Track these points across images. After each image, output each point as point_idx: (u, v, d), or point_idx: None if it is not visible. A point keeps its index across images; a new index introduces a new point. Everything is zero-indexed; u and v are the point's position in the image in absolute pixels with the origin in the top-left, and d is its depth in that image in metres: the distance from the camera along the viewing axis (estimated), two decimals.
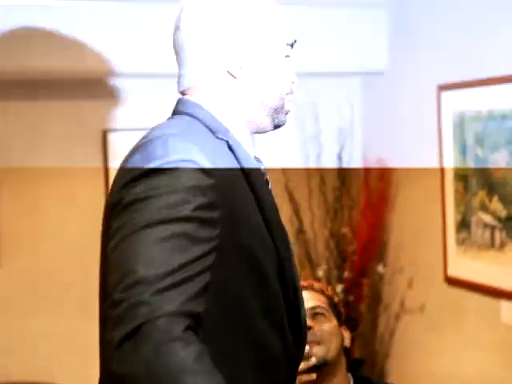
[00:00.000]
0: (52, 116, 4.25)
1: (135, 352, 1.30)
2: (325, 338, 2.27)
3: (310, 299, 2.31)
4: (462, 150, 3.81)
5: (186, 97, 1.68)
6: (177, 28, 1.66)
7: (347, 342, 2.36)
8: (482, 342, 3.78)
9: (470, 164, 3.76)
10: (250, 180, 1.58)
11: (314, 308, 2.30)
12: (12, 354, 4.08)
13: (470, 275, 3.79)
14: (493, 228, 3.63)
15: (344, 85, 4.69)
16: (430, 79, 4.06)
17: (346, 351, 2.38)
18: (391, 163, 4.41)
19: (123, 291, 1.36)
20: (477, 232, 3.74)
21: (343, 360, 2.33)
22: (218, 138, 1.60)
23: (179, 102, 1.69)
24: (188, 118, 1.63)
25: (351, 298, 4.39)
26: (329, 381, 2.28)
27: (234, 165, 1.57)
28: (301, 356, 1.66)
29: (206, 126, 1.61)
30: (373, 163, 4.48)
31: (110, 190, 1.58)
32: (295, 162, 4.59)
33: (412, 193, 4.29)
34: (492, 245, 3.64)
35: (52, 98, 4.24)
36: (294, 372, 1.64)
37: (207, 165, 1.47)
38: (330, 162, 4.57)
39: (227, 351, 1.45)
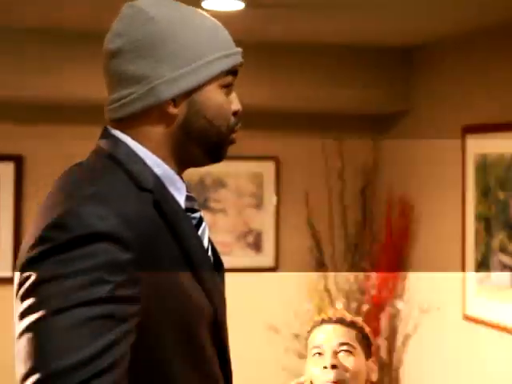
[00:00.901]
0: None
1: None
2: (349, 377, 2.20)
3: (338, 334, 2.25)
4: (484, 191, 3.87)
5: (111, 129, 1.50)
6: (111, 53, 1.49)
7: (374, 376, 2.35)
8: (497, 378, 3.82)
9: (491, 206, 3.82)
10: (178, 234, 1.44)
11: (342, 344, 2.23)
12: None
13: (488, 314, 3.83)
14: None
15: (369, 123, 4.79)
16: (455, 120, 4.13)
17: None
18: (414, 201, 4.48)
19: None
20: (496, 272, 3.79)
21: None
22: (141, 188, 1.43)
23: (104, 134, 1.51)
24: (109, 162, 1.45)
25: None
26: None
27: (157, 221, 1.41)
28: None
29: (127, 173, 1.44)
30: (396, 200, 4.55)
31: (21, 249, 1.41)
32: (318, 196, 4.66)
33: (433, 231, 4.35)
34: (511, 285, 3.69)
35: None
36: None
37: (125, 236, 1.32)
38: (353, 198, 4.64)
39: None
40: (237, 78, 4.29)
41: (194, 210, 1.53)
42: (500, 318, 3.76)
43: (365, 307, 4.46)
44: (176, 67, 1.44)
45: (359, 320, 2.38)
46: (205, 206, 4.61)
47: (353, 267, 4.58)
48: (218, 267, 1.57)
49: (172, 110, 1.46)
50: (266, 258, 4.68)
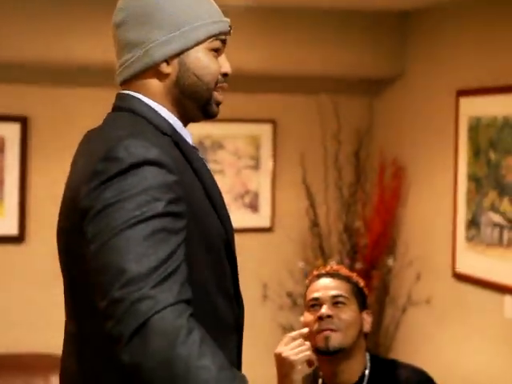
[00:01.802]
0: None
1: (146, 345, 1.43)
2: (342, 326, 2.39)
3: (333, 287, 2.43)
4: (476, 153, 4.03)
5: (124, 91, 1.74)
6: (117, 25, 1.73)
7: (367, 327, 2.47)
8: (485, 336, 3.99)
9: (483, 167, 3.98)
10: (197, 170, 1.68)
11: (335, 297, 2.42)
12: (36, 324, 4.26)
13: (477, 271, 4.01)
14: (502, 227, 3.86)
15: (365, 86, 4.91)
16: (449, 84, 4.27)
17: (366, 335, 2.56)
18: (406, 163, 4.63)
19: (120, 289, 1.45)
20: (486, 230, 3.96)
21: (362, 344, 2.45)
22: (162, 133, 1.67)
23: (118, 96, 1.75)
24: (130, 114, 1.70)
25: None
26: (346, 362, 2.42)
27: (180, 158, 1.66)
28: (243, 315, 1.79)
29: (148, 121, 1.68)
30: (389, 162, 4.70)
31: (68, 187, 1.65)
32: (314, 158, 4.80)
33: (425, 191, 4.50)
34: (500, 243, 3.86)
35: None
36: (241, 337, 1.78)
37: (168, 162, 1.56)
38: (347, 159, 4.78)
39: None
40: (235, 43, 4.38)
41: (202, 158, 1.76)
42: (487, 274, 3.94)
43: (358, 265, 4.61)
44: (166, 32, 1.69)
45: (354, 274, 2.55)
46: None
47: (346, 227, 4.72)
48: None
49: (165, 68, 1.70)
50: (263, 218, 4.82)
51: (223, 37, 1.75)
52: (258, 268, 4.76)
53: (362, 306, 2.50)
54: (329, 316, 2.40)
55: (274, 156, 4.82)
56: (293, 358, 2.29)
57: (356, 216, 4.74)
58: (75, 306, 1.68)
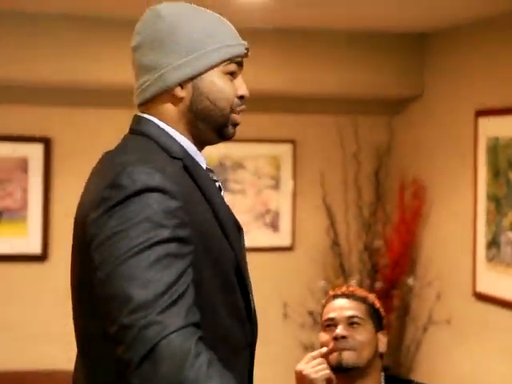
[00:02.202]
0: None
1: (155, 369, 1.45)
2: (357, 346, 2.41)
3: (348, 308, 2.46)
4: (496, 173, 4.04)
5: (140, 113, 1.76)
6: (134, 49, 1.75)
7: (382, 348, 2.50)
8: (505, 355, 3.98)
9: (503, 187, 3.98)
10: (206, 194, 1.68)
11: (351, 317, 2.44)
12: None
13: (498, 291, 4.01)
14: None
15: (384, 106, 4.95)
16: (468, 104, 4.29)
17: (381, 355, 2.59)
18: (426, 182, 4.64)
19: (128, 316, 1.47)
20: (506, 250, 3.96)
21: (377, 364, 2.48)
22: (172, 157, 1.68)
23: (134, 119, 1.77)
24: (141, 138, 1.71)
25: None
26: (361, 381, 2.44)
27: (189, 182, 1.66)
28: (256, 334, 1.81)
29: (159, 145, 1.69)
30: (408, 182, 4.72)
31: (79, 209, 1.68)
32: (334, 177, 4.82)
33: (445, 211, 4.51)
34: None
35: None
36: (253, 357, 1.79)
37: (171, 188, 1.57)
38: (367, 179, 4.80)
39: None
40: (255, 64, 4.42)
41: (214, 181, 1.76)
42: (508, 295, 3.93)
43: (378, 285, 4.62)
44: (180, 56, 1.70)
45: (370, 295, 2.58)
46: (224, 187, 4.73)
47: (366, 246, 4.74)
48: (238, 229, 1.80)
49: (179, 92, 1.71)
50: (283, 237, 4.84)
51: (239, 59, 1.76)
52: (279, 287, 4.78)
53: (378, 326, 2.53)
54: (343, 337, 2.44)
55: (294, 176, 4.85)
56: (313, 376, 2.35)
57: (376, 235, 4.76)
58: (84, 325, 1.71)
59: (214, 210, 1.69)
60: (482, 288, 4.14)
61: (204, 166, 1.77)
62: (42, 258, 4.43)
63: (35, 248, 4.46)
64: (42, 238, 4.46)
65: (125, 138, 1.77)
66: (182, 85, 1.71)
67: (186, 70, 1.70)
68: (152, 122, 1.74)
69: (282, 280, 4.81)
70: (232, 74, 1.74)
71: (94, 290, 1.59)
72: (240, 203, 4.77)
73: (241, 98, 1.77)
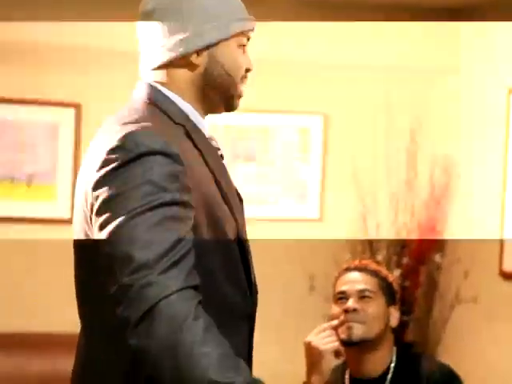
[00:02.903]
0: None
1: (152, 329, 1.47)
2: (367, 319, 2.45)
3: (360, 281, 2.50)
4: None
5: (144, 81, 1.78)
6: (146, 14, 1.76)
7: (394, 322, 2.54)
8: None
9: None
10: (207, 160, 1.71)
11: (362, 291, 2.48)
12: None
13: None
14: None
15: (416, 82, 4.87)
16: (500, 82, 4.24)
17: (393, 329, 2.59)
18: (457, 159, 4.60)
19: (129, 275, 1.49)
20: None
21: (388, 337, 2.52)
22: (175, 123, 1.71)
23: (138, 86, 1.78)
24: (146, 104, 1.73)
25: (407, 283, 4.58)
26: (371, 355, 2.49)
27: (191, 147, 1.69)
28: (256, 304, 1.82)
29: (162, 111, 1.71)
30: (439, 158, 4.69)
31: (81, 172, 1.70)
32: (364, 151, 4.80)
33: (475, 188, 4.48)
34: None
35: None
36: (253, 325, 1.81)
37: (174, 152, 1.59)
38: (398, 154, 4.77)
39: None
40: (290, 34, 4.43)
41: (216, 149, 1.80)
42: None
43: (405, 260, 4.60)
44: (199, 24, 1.73)
45: (383, 269, 2.60)
46: (253, 157, 4.75)
47: (395, 221, 4.71)
48: (239, 200, 1.83)
49: (195, 60, 1.74)
50: (311, 209, 4.83)
51: (249, 34, 1.81)
52: (306, 259, 4.78)
53: (390, 300, 2.55)
54: (354, 309, 2.45)
55: (325, 148, 4.82)
56: (322, 347, 2.39)
57: (406, 210, 4.73)
58: (85, 291, 1.74)
59: (215, 177, 1.72)
60: (508, 267, 4.11)
61: (206, 134, 1.79)
62: (70, 221, 4.45)
63: (64, 212, 4.48)
64: (71, 203, 4.49)
65: (128, 104, 1.77)
66: (198, 52, 1.74)
67: (205, 37, 1.73)
68: (155, 87, 1.76)
69: (309, 252, 4.80)
70: (242, 47, 1.79)
71: (94, 250, 1.60)
72: (268, 174, 4.76)
73: (247, 71, 1.81)
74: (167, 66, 1.75)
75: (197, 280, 1.54)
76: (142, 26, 1.78)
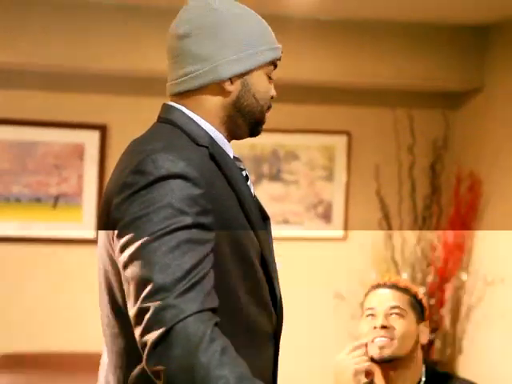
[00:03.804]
0: None
1: (169, 352, 1.48)
2: (397, 337, 2.43)
3: (390, 299, 2.48)
4: None
5: (170, 102, 1.79)
6: (178, 37, 1.76)
7: (424, 339, 2.51)
8: None
9: None
10: (231, 182, 1.71)
11: (393, 308, 2.46)
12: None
13: None
14: None
15: (441, 99, 4.89)
16: None
17: (423, 346, 2.57)
18: (483, 177, 4.59)
19: (147, 299, 1.51)
20: None
21: (418, 355, 2.50)
22: (198, 145, 1.71)
23: (163, 107, 1.79)
24: (168, 126, 1.74)
25: (433, 301, 4.56)
26: (401, 372, 2.46)
27: (214, 169, 1.70)
28: (281, 323, 1.82)
29: (185, 133, 1.72)
30: (465, 176, 4.67)
31: (105, 194, 1.71)
32: (388, 170, 4.79)
33: (501, 206, 4.44)
34: None
35: None
36: (278, 346, 1.81)
37: (194, 175, 1.60)
38: (422, 172, 4.76)
39: (227, 336, 1.56)
40: (312, 54, 4.44)
41: (241, 169, 1.80)
42: None
43: (429, 278, 4.58)
44: (236, 51, 1.74)
45: (413, 286, 2.58)
46: (278, 177, 4.77)
47: (420, 240, 4.70)
48: (264, 218, 1.84)
49: (229, 86, 1.75)
50: (336, 228, 4.83)
51: (277, 63, 1.83)
52: (330, 278, 4.78)
53: (420, 317, 2.53)
54: (384, 327, 2.43)
55: (348, 167, 4.83)
56: (354, 366, 2.37)
57: (430, 229, 4.71)
58: (107, 311, 1.74)
59: (238, 198, 1.73)
60: None
61: (231, 155, 1.80)
62: (95, 241, 4.47)
63: (89, 232, 4.52)
64: (96, 223, 4.51)
65: (152, 126, 1.80)
66: (231, 79, 1.75)
67: (240, 65, 1.74)
68: (180, 110, 1.76)
69: (334, 271, 4.80)
70: (269, 75, 1.81)
71: (115, 275, 1.63)
72: (293, 194, 4.77)
73: (271, 98, 1.84)
74: (200, 91, 1.75)
75: (215, 302, 1.56)
76: (172, 48, 1.78)
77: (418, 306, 2.53)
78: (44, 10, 4.21)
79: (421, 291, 4.38)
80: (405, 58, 4.54)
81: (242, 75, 1.75)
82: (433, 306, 4.55)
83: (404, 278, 4.50)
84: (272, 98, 1.83)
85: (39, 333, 4.49)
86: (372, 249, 4.79)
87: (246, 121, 1.79)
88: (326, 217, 4.83)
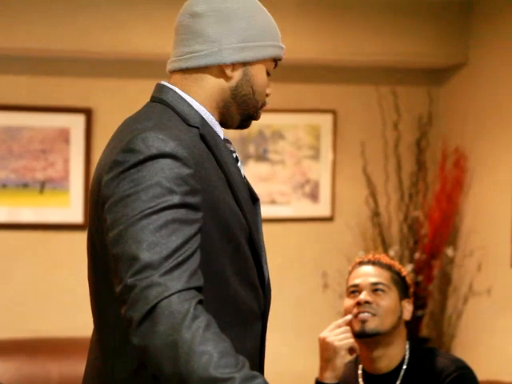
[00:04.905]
0: None
1: (154, 328, 1.51)
2: (380, 312, 2.47)
3: (373, 275, 2.52)
4: None
5: (163, 82, 1.81)
6: (193, 14, 1.78)
7: (407, 315, 2.55)
8: None
9: None
10: (220, 162, 1.73)
11: (375, 284, 2.50)
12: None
13: None
14: None
15: (426, 74, 4.88)
16: (511, 71, 4.23)
17: (407, 322, 2.60)
18: (468, 152, 4.60)
19: (133, 276, 1.53)
20: None
21: (401, 331, 2.54)
22: (189, 125, 1.73)
23: (156, 87, 1.81)
24: (160, 105, 1.75)
25: (421, 278, 4.58)
26: (384, 349, 2.51)
27: (205, 150, 1.72)
28: (269, 303, 1.84)
29: (177, 113, 1.74)
30: (450, 151, 4.68)
31: (95, 173, 1.73)
32: (374, 147, 4.80)
33: (487, 181, 4.47)
34: None
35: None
36: (265, 325, 1.84)
37: (184, 155, 1.62)
38: (408, 149, 4.77)
39: (214, 315, 1.59)
40: (296, 32, 4.43)
41: (231, 151, 1.82)
42: None
43: (417, 255, 4.60)
44: (243, 39, 1.77)
45: (396, 263, 2.61)
46: (264, 157, 4.77)
47: (407, 217, 4.72)
48: (253, 199, 1.85)
49: (230, 72, 1.78)
50: (323, 207, 4.83)
51: (278, 61, 1.86)
52: (319, 257, 4.79)
53: (403, 294, 2.56)
54: (367, 302, 2.46)
55: (334, 146, 4.83)
56: (337, 343, 2.42)
57: (417, 205, 4.73)
58: (95, 287, 1.77)
59: (227, 179, 1.75)
60: None
61: (222, 137, 1.81)
62: (83, 226, 4.49)
63: (77, 217, 4.52)
64: (84, 208, 4.52)
65: (145, 105, 1.81)
66: (234, 66, 1.78)
67: (245, 53, 1.78)
68: (173, 90, 1.78)
69: (322, 250, 4.81)
70: (269, 72, 1.85)
71: (106, 250, 1.64)
72: (279, 173, 4.77)
73: (266, 95, 1.86)
74: (202, 70, 1.78)
75: (200, 281, 1.58)
76: (183, 25, 1.80)
77: (401, 283, 2.57)
78: None
79: (406, 268, 4.41)
80: (388, 34, 4.54)
81: (244, 64, 1.79)
82: (421, 282, 4.57)
83: (391, 255, 4.52)
84: (267, 95, 1.86)
85: (29, 319, 4.49)
86: (359, 227, 4.80)
87: (238, 111, 1.81)
88: (313, 196, 4.83)
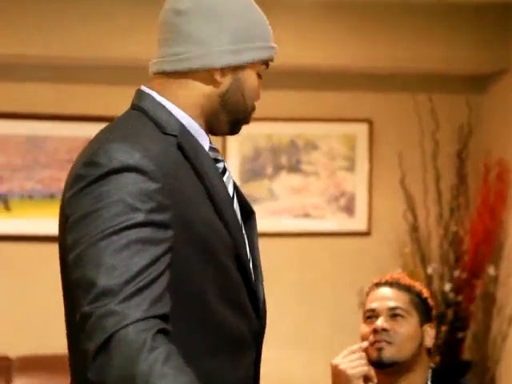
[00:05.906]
0: None
1: (109, 361, 1.39)
2: (397, 340, 2.30)
3: (391, 298, 2.34)
4: None
5: (142, 87, 1.67)
6: (177, 10, 1.63)
7: (429, 342, 2.37)
8: None
9: None
10: (200, 173, 1.59)
11: (392, 309, 2.32)
12: None
13: None
14: None
15: (466, 83, 4.74)
16: None
17: (429, 350, 2.39)
18: None
19: (90, 304, 1.41)
20: None
21: (422, 359, 2.36)
22: (165, 133, 1.59)
23: (135, 93, 1.68)
24: (136, 113, 1.62)
25: (461, 298, 4.40)
26: (404, 378, 2.33)
27: (181, 160, 1.58)
28: (263, 328, 1.69)
29: (153, 120, 1.60)
30: (493, 164, 4.49)
31: (63, 192, 1.59)
32: (412, 158, 4.61)
33: None
34: None
35: None
36: (259, 353, 1.69)
37: (150, 168, 1.49)
38: (448, 160, 4.57)
39: (195, 342, 1.51)
40: (331, 40, 4.36)
41: (218, 161, 1.67)
42: None
43: (457, 273, 4.42)
44: (233, 41, 1.62)
45: (417, 284, 2.41)
46: (297, 168, 4.65)
47: (447, 232, 4.51)
48: (247, 214, 1.71)
49: (218, 77, 1.62)
50: (359, 221, 4.68)
51: (269, 63, 1.72)
52: (354, 274, 4.63)
53: (425, 318, 2.39)
54: (384, 329, 2.29)
55: (371, 156, 4.68)
56: (350, 371, 2.25)
57: (457, 220, 4.54)
58: (66, 311, 1.64)
59: (208, 192, 1.60)
60: None
61: (207, 145, 1.67)
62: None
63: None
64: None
65: (123, 113, 1.66)
66: (223, 70, 1.63)
67: (234, 57, 1.63)
68: (150, 95, 1.64)
69: (358, 267, 4.64)
70: (260, 75, 1.70)
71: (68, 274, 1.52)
72: (313, 185, 4.63)
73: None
74: (188, 75, 1.63)
75: (164, 308, 1.44)
76: (166, 23, 1.65)
77: (422, 306, 2.39)
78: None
79: (447, 289, 4.21)
80: (425, 39, 4.43)
81: (234, 68, 1.64)
82: (461, 302, 4.38)
83: (429, 272, 4.35)
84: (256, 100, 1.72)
85: (50, 335, 4.40)
86: (397, 242, 4.64)
87: (228, 117, 1.67)
88: (349, 210, 4.68)
